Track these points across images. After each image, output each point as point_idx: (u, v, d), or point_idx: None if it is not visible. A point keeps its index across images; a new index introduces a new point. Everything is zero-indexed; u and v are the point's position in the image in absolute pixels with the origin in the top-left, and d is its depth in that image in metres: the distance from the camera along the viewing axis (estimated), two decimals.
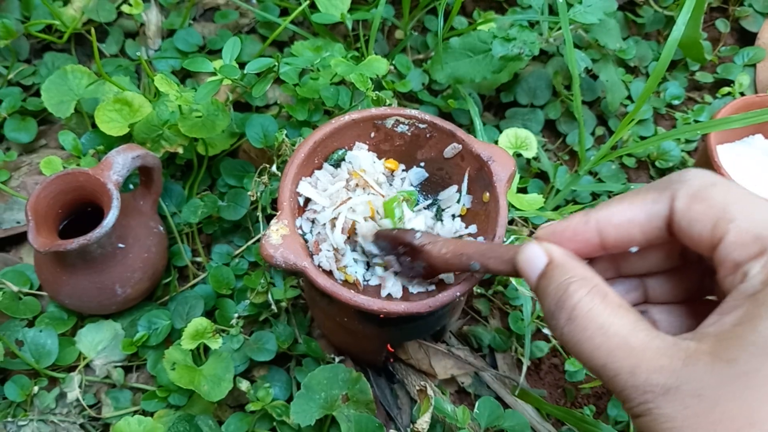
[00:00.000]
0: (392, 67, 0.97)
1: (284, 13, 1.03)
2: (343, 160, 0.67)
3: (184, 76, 0.99)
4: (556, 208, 0.88)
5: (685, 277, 0.44)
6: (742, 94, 1.02)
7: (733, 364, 0.32)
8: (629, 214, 0.39)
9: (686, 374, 0.33)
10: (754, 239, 0.34)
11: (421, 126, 0.67)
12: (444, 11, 0.95)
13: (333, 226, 0.62)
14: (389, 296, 0.61)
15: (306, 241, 0.62)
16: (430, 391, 0.66)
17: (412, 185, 0.69)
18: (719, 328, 0.34)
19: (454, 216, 0.66)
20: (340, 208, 0.62)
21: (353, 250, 0.64)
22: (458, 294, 0.57)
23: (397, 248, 0.59)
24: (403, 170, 0.69)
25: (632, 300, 0.45)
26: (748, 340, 0.32)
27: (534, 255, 0.41)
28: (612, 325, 0.35)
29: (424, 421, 0.67)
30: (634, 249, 0.41)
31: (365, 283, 0.62)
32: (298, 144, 0.65)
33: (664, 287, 0.44)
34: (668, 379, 0.33)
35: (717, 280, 0.36)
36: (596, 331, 0.36)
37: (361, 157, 0.67)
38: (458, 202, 0.66)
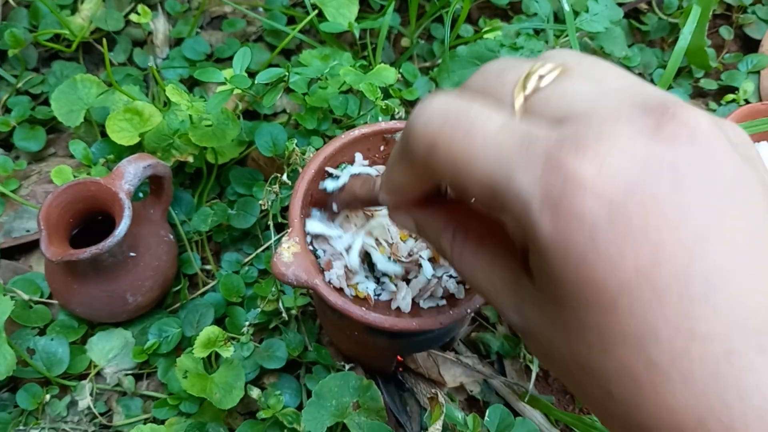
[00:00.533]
0: (399, 76, 0.98)
1: (291, 21, 1.04)
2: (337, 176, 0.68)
3: (191, 84, 1.00)
4: None
5: None
6: (746, 101, 1.02)
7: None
8: (400, 181, 0.37)
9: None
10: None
11: None
12: (450, 19, 0.96)
13: (348, 249, 0.63)
14: (398, 309, 0.62)
15: (317, 257, 0.63)
16: (441, 399, 0.66)
17: None
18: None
19: None
20: (358, 234, 0.63)
21: (365, 269, 0.64)
22: (469, 310, 0.58)
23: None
24: None
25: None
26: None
27: (403, 221, 0.41)
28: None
29: (435, 429, 0.67)
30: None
31: (376, 298, 0.63)
32: (308, 160, 0.65)
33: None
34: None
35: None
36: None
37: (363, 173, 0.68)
38: None
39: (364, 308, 0.58)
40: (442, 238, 0.37)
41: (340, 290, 0.62)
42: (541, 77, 0.30)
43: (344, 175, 0.61)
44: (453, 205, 0.39)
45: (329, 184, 0.58)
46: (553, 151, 0.25)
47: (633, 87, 0.28)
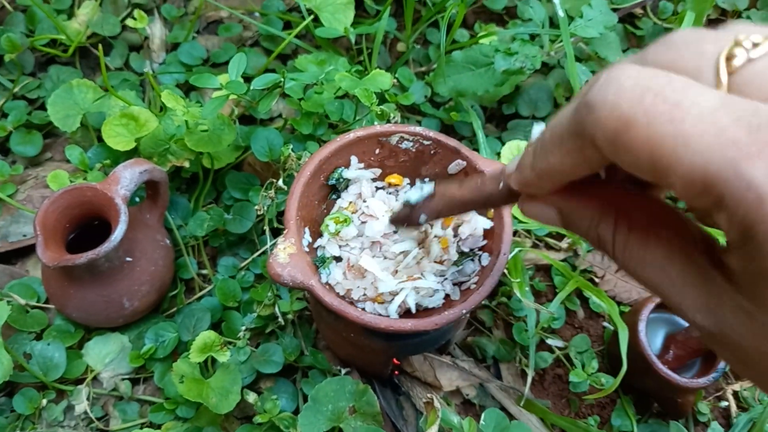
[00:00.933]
0: (395, 80, 0.98)
1: (287, 26, 1.04)
2: (342, 178, 0.68)
3: (188, 89, 1.00)
4: None
5: None
6: None
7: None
8: (559, 166, 0.32)
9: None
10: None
11: (426, 142, 0.68)
12: (446, 24, 0.96)
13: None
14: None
15: (320, 255, 0.64)
16: (437, 403, 0.67)
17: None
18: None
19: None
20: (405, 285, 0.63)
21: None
22: (464, 311, 0.58)
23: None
24: (407, 184, 0.70)
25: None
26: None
27: (540, 213, 0.36)
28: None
29: None
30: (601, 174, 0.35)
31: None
32: (304, 162, 0.65)
33: None
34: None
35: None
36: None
37: (362, 179, 0.68)
38: None
39: (359, 309, 0.58)
40: (600, 228, 0.33)
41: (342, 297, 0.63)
42: (749, 48, 0.26)
43: (427, 184, 0.58)
44: (608, 190, 0.34)
45: (413, 195, 0.52)
46: None
47: None
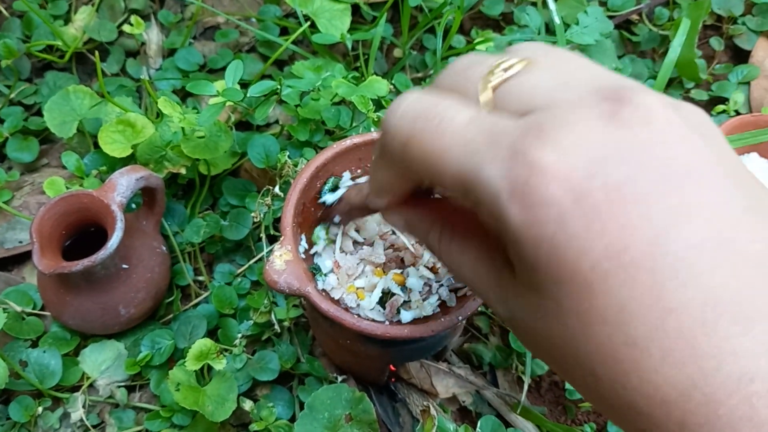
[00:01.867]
0: (391, 86, 0.98)
1: (284, 32, 1.04)
2: (334, 189, 0.68)
3: (184, 95, 1.00)
4: None
5: None
6: (736, 111, 1.03)
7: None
8: (383, 180, 0.38)
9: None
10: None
11: None
12: (442, 30, 0.96)
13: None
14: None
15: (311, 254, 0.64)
16: (433, 411, 0.67)
17: None
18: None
19: None
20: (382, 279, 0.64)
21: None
22: (460, 318, 0.58)
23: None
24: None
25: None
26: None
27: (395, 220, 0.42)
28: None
29: None
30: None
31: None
32: (300, 169, 0.66)
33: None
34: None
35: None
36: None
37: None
38: None
39: (356, 316, 0.58)
40: (429, 236, 0.38)
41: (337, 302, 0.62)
42: (505, 71, 0.30)
43: (342, 187, 0.62)
44: (438, 203, 0.40)
45: (328, 198, 0.59)
46: (517, 142, 0.26)
47: (595, 76, 0.29)
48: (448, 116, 0.29)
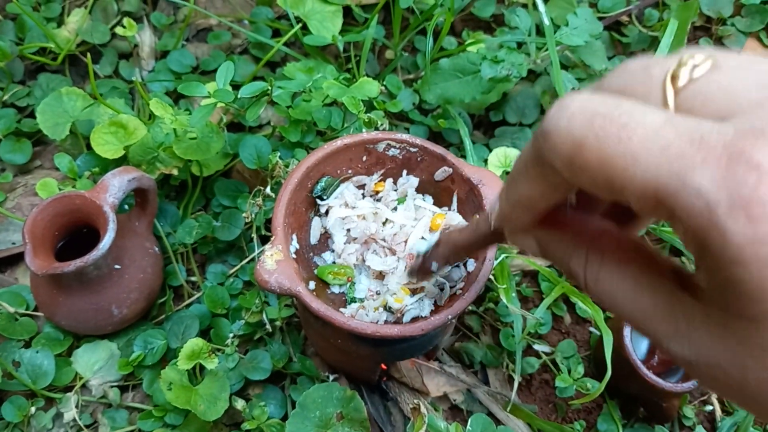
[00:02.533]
0: (383, 88, 0.99)
1: (276, 33, 1.04)
2: (327, 188, 0.69)
3: (177, 96, 1.00)
4: None
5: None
6: None
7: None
8: (528, 194, 0.33)
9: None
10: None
11: (412, 150, 0.69)
12: (433, 32, 0.97)
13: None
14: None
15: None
16: (423, 409, 0.67)
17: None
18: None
19: None
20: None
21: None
22: (450, 317, 0.59)
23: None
24: (392, 183, 0.71)
25: None
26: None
27: (528, 245, 0.37)
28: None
29: None
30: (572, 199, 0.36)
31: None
32: (291, 169, 0.66)
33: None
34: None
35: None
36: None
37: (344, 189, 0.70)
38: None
39: (346, 315, 0.59)
40: (572, 261, 0.33)
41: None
42: (693, 69, 0.27)
43: (433, 235, 0.60)
44: (580, 223, 0.35)
45: (422, 246, 0.56)
46: (736, 145, 0.23)
47: None
48: (635, 117, 0.25)
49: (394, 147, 0.69)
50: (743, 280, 0.23)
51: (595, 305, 0.76)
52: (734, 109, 0.25)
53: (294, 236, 0.67)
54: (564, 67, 1.03)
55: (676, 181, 0.23)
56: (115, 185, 0.75)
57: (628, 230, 0.36)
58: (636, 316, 0.30)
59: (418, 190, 0.71)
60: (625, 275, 0.31)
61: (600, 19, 1.01)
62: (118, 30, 0.97)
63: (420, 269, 0.56)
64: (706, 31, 1.15)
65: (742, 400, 0.27)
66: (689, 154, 0.23)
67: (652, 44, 1.10)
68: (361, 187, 0.72)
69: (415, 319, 0.63)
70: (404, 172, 0.71)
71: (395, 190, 0.71)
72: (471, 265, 0.64)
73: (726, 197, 0.22)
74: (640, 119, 0.25)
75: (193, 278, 0.87)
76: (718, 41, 1.13)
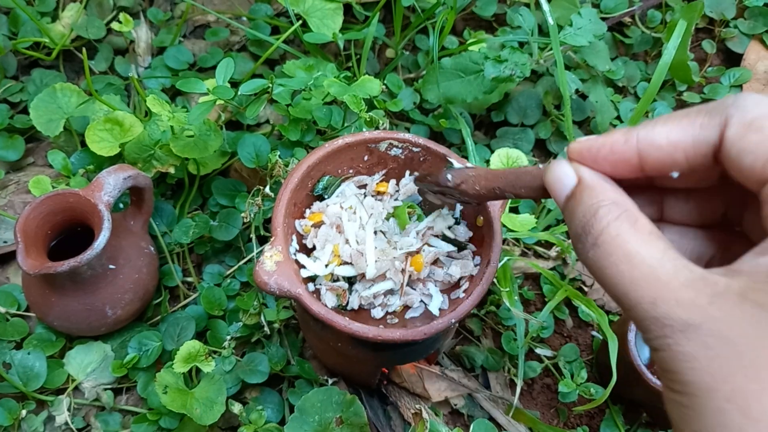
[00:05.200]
0: (384, 87, 0.97)
1: (275, 31, 1.03)
2: (328, 187, 0.67)
3: (174, 93, 0.99)
4: (547, 228, 0.88)
5: (711, 200, 0.41)
6: None
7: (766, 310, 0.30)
8: (674, 137, 0.35)
9: (712, 312, 0.30)
10: None
11: (415, 149, 0.68)
12: (436, 31, 0.95)
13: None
14: (383, 319, 0.62)
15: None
16: (425, 415, 0.66)
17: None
18: (754, 269, 0.31)
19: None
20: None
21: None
22: (453, 321, 0.58)
23: (434, 189, 0.59)
24: (395, 184, 0.69)
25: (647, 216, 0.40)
26: None
27: (562, 174, 0.39)
28: (638, 253, 0.33)
29: None
30: (675, 174, 0.37)
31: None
32: (291, 168, 0.65)
33: (684, 207, 0.41)
34: (690, 314, 0.31)
35: (761, 217, 0.33)
36: (622, 257, 0.34)
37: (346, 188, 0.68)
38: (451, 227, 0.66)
39: (347, 318, 0.57)
40: (601, 210, 0.37)
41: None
42: None
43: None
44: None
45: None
46: None
47: None
48: None
49: (397, 147, 0.68)
50: None
51: (599, 309, 0.75)
52: None
53: (294, 237, 0.65)
54: (567, 67, 1.02)
55: None
56: (111, 183, 0.73)
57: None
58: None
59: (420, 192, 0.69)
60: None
61: (603, 19, 0.99)
62: (114, 25, 0.95)
63: (432, 180, 0.57)
64: (709, 33, 1.15)
65: None
66: None
67: (656, 45, 1.09)
68: (363, 186, 0.70)
69: (416, 323, 0.62)
70: (407, 172, 0.69)
71: (397, 191, 0.70)
72: (473, 263, 0.63)
73: None
74: None
75: (189, 279, 0.85)
76: (722, 43, 1.13)
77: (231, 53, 1.02)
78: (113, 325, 0.78)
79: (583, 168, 0.38)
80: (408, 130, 0.96)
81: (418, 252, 0.63)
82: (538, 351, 0.83)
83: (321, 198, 0.68)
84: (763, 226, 0.33)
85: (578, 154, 0.39)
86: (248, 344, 0.80)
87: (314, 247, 0.66)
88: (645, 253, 0.33)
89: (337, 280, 0.64)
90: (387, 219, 0.66)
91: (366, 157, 0.69)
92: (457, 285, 0.64)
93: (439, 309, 0.63)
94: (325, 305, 0.62)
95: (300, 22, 0.92)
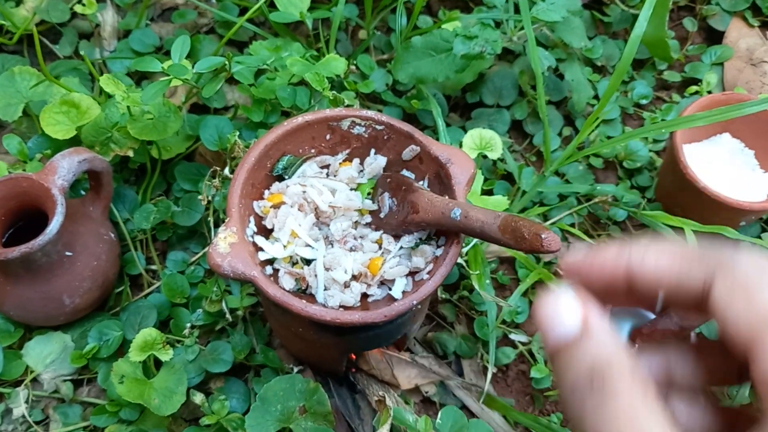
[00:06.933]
0: (355, 68, 0.95)
1: (244, 12, 1.00)
2: (288, 167, 0.65)
3: (140, 78, 0.96)
4: (522, 210, 0.86)
5: (713, 354, 0.38)
6: (709, 92, 1.00)
7: None
8: (661, 265, 0.33)
9: None
10: None
11: (378, 127, 0.65)
12: (408, 10, 0.93)
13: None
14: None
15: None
16: (389, 402, 0.63)
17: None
18: None
19: None
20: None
21: None
22: (414, 302, 0.55)
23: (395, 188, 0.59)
24: (359, 164, 0.67)
25: (656, 378, 0.38)
26: None
27: (564, 313, 0.33)
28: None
29: None
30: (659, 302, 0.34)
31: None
32: (249, 147, 0.62)
33: (688, 363, 0.38)
34: None
35: (755, 390, 0.30)
36: (628, 424, 0.29)
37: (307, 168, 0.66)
38: None
39: (304, 301, 0.55)
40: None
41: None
42: None
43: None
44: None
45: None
46: None
47: None
48: None
49: (359, 125, 0.65)
50: None
51: None
52: None
53: (251, 218, 0.63)
54: (544, 46, 0.99)
55: None
56: (65, 167, 0.70)
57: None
58: None
59: (386, 169, 0.67)
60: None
61: None
62: (78, 8, 0.93)
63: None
64: (690, 10, 1.12)
65: None
66: None
67: (635, 23, 1.07)
68: (326, 167, 0.68)
69: (377, 305, 0.59)
70: (372, 151, 0.67)
71: (361, 171, 0.67)
72: (438, 250, 0.61)
73: None
74: None
75: (153, 267, 0.83)
76: (703, 21, 1.10)
77: (198, 35, 0.99)
78: (72, 314, 0.75)
79: (591, 310, 0.34)
80: (380, 111, 0.94)
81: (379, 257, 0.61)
82: (512, 337, 0.81)
83: (281, 178, 0.66)
84: (759, 400, 0.30)
85: (573, 271, 0.36)
86: (212, 333, 0.78)
87: (273, 229, 0.64)
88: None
89: (297, 262, 0.62)
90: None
91: (328, 136, 0.66)
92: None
93: (402, 291, 0.60)
94: (283, 288, 0.59)
95: (267, 1, 0.89)
